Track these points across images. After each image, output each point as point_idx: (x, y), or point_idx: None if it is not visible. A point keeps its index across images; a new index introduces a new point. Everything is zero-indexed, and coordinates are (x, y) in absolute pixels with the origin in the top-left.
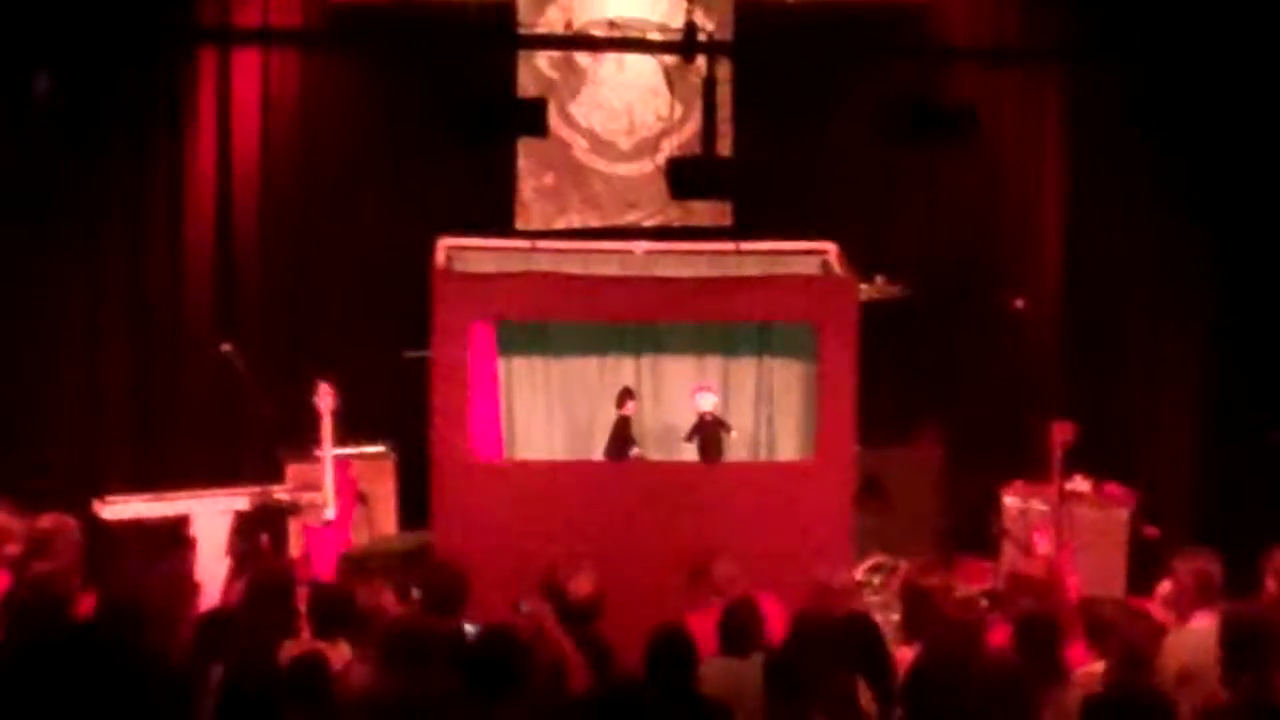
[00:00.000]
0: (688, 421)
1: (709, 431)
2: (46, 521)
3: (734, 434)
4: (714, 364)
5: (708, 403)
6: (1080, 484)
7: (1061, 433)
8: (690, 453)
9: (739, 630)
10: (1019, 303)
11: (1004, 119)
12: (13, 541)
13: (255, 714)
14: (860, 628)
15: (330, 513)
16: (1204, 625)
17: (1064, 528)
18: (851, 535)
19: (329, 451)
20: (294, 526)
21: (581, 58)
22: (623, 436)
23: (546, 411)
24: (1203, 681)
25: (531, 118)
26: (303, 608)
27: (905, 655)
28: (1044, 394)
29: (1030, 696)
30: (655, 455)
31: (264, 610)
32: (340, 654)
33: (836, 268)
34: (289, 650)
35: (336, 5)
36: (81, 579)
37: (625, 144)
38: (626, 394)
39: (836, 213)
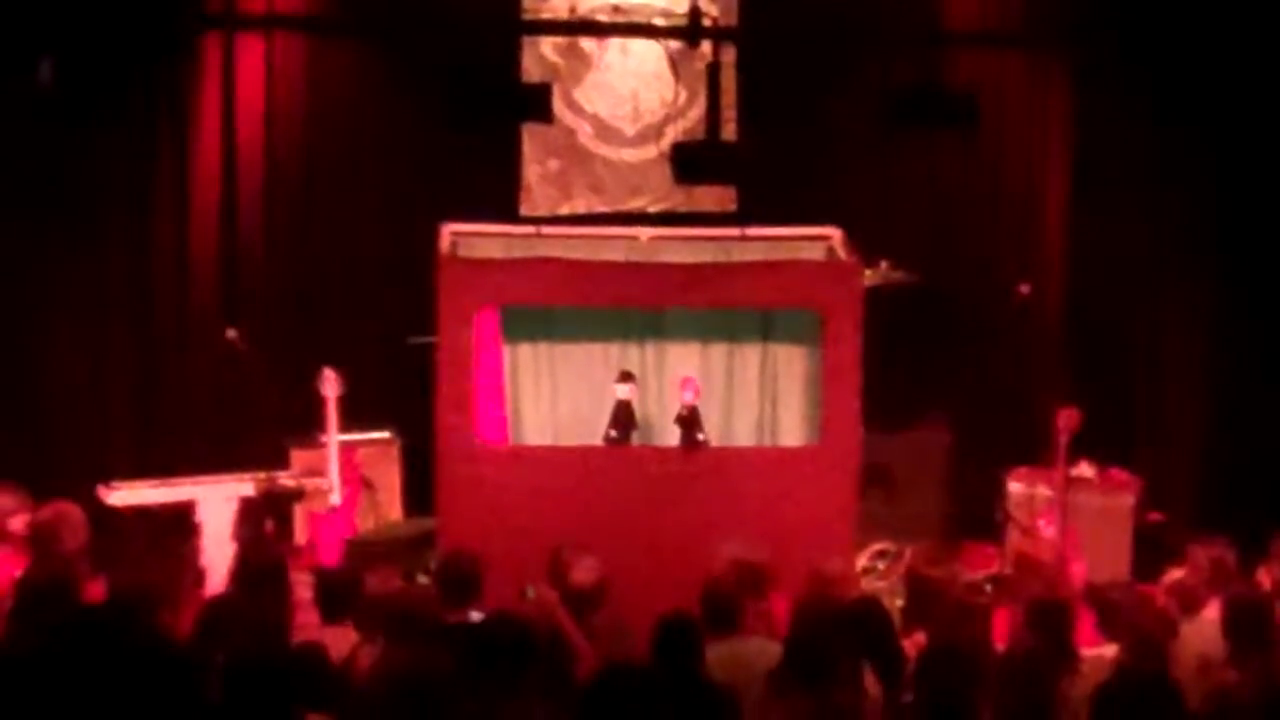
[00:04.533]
0: None
1: (688, 424)
2: (50, 511)
3: (703, 438)
4: (718, 350)
5: (688, 398)
6: (1085, 470)
7: (1066, 419)
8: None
9: (720, 608)
10: (1024, 288)
11: (1009, 104)
12: (16, 518)
13: (261, 701)
14: (869, 613)
15: (335, 499)
16: (1219, 614)
17: (1068, 514)
18: (856, 521)
19: (334, 438)
20: (299, 513)
21: (586, 43)
22: (625, 419)
23: (551, 397)
24: (1221, 668)
25: (536, 103)
26: (308, 593)
27: (908, 642)
28: (1049, 380)
29: (1049, 686)
30: (659, 440)
31: (254, 595)
32: (346, 637)
33: (841, 253)
34: (296, 638)
35: None
36: (89, 565)
37: (630, 129)
38: (626, 376)
39: (841, 198)
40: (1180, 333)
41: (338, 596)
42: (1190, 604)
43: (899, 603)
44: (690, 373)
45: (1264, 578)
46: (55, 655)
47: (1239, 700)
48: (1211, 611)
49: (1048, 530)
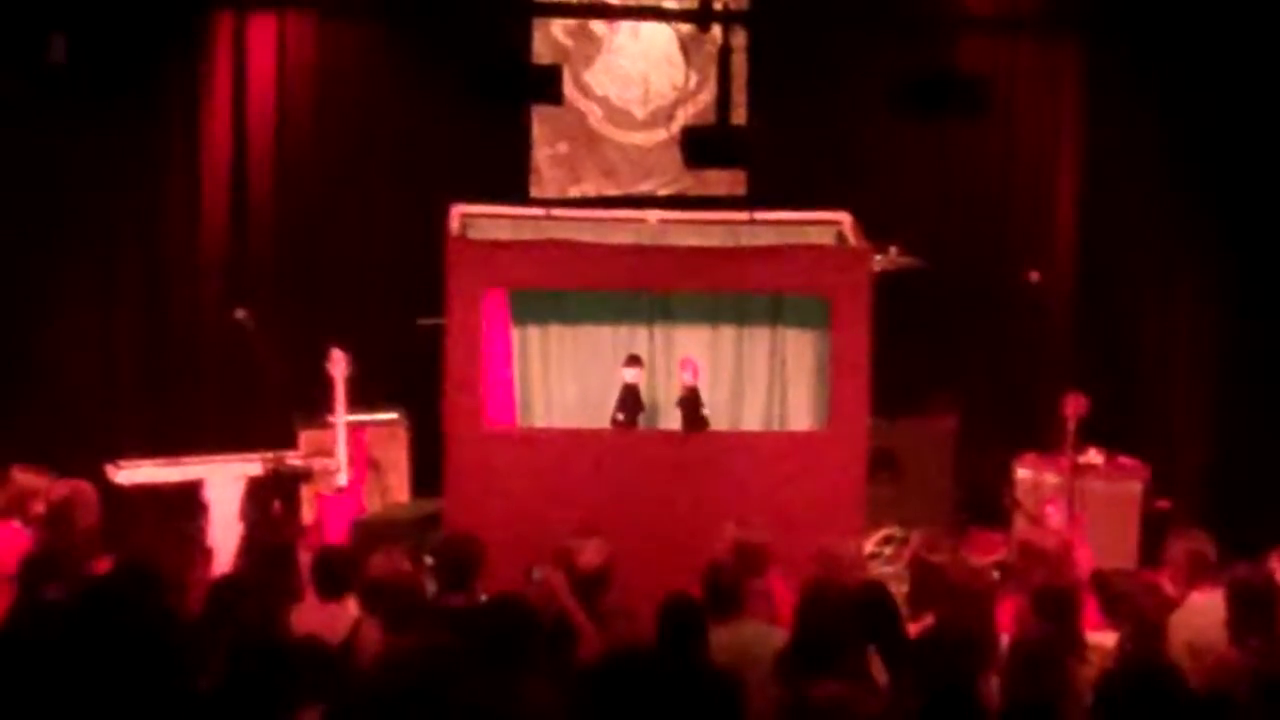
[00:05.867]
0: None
1: (692, 406)
2: (64, 488)
3: (705, 411)
4: (727, 334)
5: (687, 378)
6: (1093, 456)
7: (1074, 405)
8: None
9: (721, 592)
10: (1033, 275)
11: (1020, 90)
12: (39, 499)
13: (263, 683)
14: (874, 597)
15: (343, 479)
16: (1203, 600)
17: (1076, 500)
18: (863, 506)
19: (342, 418)
20: (307, 493)
21: (597, 26)
22: (632, 403)
23: (559, 380)
24: (1210, 655)
25: (546, 85)
26: (307, 573)
27: (913, 628)
28: (1057, 366)
29: (1059, 670)
30: (666, 424)
31: (264, 575)
32: (347, 612)
33: (850, 238)
34: (297, 615)
35: None
36: (99, 544)
37: (640, 112)
38: (633, 359)
39: (851, 183)
40: (1189, 319)
41: (335, 574)
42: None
43: (904, 588)
44: (699, 357)
45: (1276, 564)
46: (61, 631)
47: (1238, 679)
48: (1196, 598)
49: (1055, 517)
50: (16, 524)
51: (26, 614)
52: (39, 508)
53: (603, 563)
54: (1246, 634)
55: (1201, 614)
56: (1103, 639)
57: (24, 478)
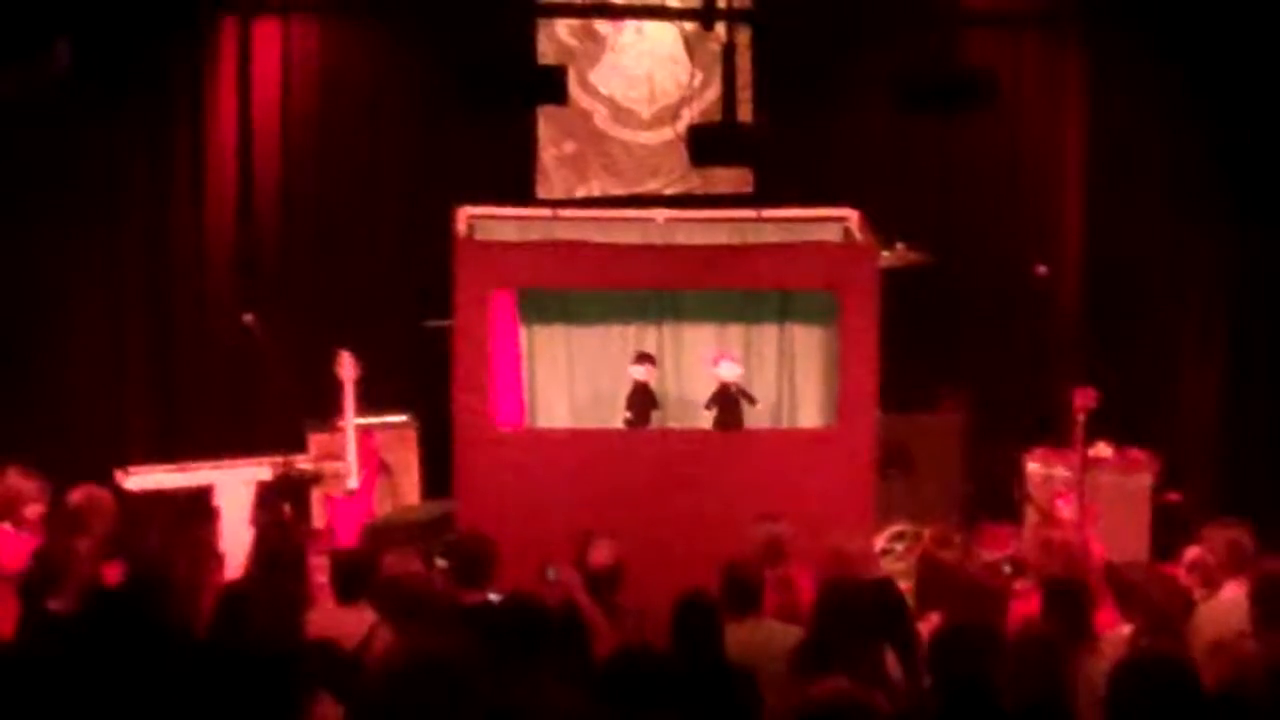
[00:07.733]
0: (709, 389)
1: (729, 401)
2: (82, 494)
3: (759, 405)
4: (735, 331)
5: (731, 372)
6: (1103, 450)
7: (1084, 399)
8: (709, 420)
9: (740, 589)
10: (1041, 269)
11: (1025, 84)
12: (31, 503)
13: (278, 686)
14: (886, 594)
15: (353, 483)
16: (1236, 594)
17: (1087, 494)
18: (874, 502)
19: (351, 421)
20: (317, 497)
21: (601, 25)
22: (642, 401)
23: (568, 380)
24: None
25: (552, 85)
26: (323, 576)
27: (922, 626)
28: (1066, 360)
29: (1063, 664)
30: (676, 423)
31: (276, 580)
32: (362, 618)
33: (858, 234)
34: (312, 619)
35: None
36: (111, 550)
37: (645, 112)
38: (642, 357)
39: (857, 179)
40: (1197, 311)
41: (353, 577)
42: (1208, 584)
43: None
44: (706, 353)
45: None
46: (67, 644)
47: (1255, 673)
48: (1228, 592)
49: (1066, 510)
50: (7, 527)
51: (31, 628)
52: (31, 513)
53: (615, 560)
54: (1270, 629)
55: (1231, 608)
56: (1118, 632)
57: (17, 481)
